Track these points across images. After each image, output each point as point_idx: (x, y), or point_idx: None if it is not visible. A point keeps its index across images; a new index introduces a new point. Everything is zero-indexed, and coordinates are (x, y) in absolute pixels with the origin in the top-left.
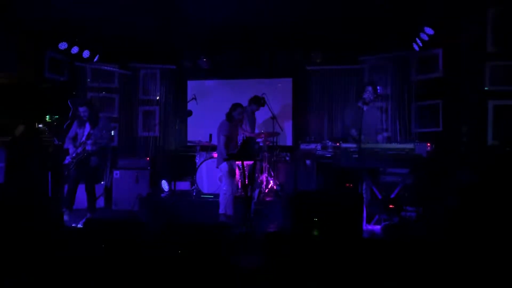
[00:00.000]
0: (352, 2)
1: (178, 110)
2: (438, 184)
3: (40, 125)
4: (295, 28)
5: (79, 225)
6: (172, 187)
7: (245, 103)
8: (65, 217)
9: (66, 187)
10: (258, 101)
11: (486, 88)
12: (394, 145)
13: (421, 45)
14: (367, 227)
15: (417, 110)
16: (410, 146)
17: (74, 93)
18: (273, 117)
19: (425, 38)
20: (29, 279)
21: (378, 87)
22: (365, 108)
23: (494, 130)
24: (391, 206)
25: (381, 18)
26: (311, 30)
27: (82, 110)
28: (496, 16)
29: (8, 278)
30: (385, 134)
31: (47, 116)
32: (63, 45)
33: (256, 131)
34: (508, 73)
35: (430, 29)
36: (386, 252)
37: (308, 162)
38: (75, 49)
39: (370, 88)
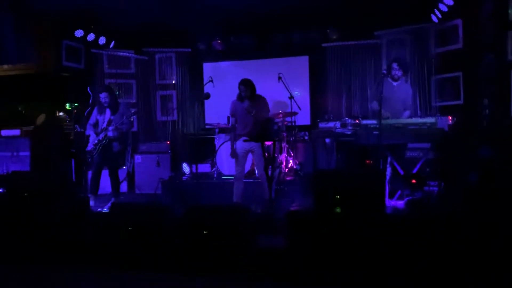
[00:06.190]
0: None
1: (195, 93)
2: (460, 158)
3: (61, 113)
4: (309, 5)
5: (105, 209)
6: (194, 170)
7: (260, 82)
8: (91, 202)
9: (90, 173)
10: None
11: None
12: (415, 120)
13: (440, 16)
14: (390, 202)
15: (437, 84)
16: (431, 120)
17: (92, 80)
18: (291, 97)
19: (444, 9)
20: (60, 263)
21: (403, 62)
22: (395, 84)
23: None
24: (413, 181)
25: None
26: (325, 6)
27: (102, 96)
28: None
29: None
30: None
31: (67, 104)
32: (79, 33)
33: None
34: None
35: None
36: (410, 227)
37: (327, 140)
38: (91, 36)
39: (395, 65)
